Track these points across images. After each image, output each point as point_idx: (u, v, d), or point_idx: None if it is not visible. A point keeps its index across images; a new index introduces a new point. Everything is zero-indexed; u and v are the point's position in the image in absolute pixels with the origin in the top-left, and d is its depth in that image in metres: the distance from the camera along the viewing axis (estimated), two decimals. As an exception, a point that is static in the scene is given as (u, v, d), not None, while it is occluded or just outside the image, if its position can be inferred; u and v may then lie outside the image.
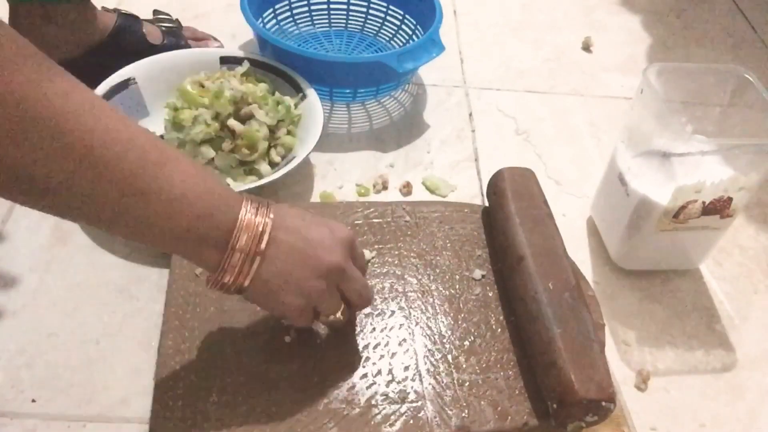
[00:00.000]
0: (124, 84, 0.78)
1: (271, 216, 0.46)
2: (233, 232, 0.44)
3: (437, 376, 0.58)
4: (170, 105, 0.76)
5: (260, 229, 0.45)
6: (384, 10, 0.97)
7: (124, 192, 0.39)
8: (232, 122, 0.74)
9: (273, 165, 0.76)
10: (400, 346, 0.60)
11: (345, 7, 0.99)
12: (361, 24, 0.99)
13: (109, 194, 0.39)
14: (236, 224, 0.44)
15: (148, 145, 0.40)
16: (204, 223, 0.43)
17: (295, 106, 0.80)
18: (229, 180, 0.75)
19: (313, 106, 0.79)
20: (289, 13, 0.96)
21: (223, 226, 0.44)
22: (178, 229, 0.42)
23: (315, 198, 0.77)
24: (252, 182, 0.72)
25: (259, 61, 0.83)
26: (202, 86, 0.78)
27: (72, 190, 0.38)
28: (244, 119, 0.76)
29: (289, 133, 0.78)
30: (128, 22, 0.85)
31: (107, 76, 0.77)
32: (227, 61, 0.83)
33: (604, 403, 0.53)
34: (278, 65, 0.82)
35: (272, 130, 0.77)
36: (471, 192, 0.81)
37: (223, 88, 0.75)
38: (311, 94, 0.80)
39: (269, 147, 0.76)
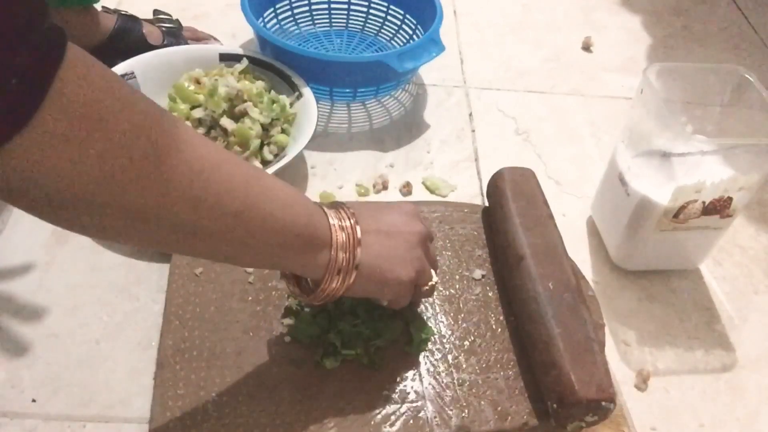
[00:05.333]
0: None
1: (350, 211, 0.51)
2: (331, 231, 0.49)
3: (437, 376, 0.58)
4: (171, 97, 0.77)
5: (348, 222, 0.50)
6: (384, 9, 0.97)
7: (248, 225, 0.43)
8: (225, 121, 0.75)
9: (266, 163, 0.76)
10: (400, 346, 0.60)
11: (346, 6, 0.99)
12: (362, 24, 0.99)
13: (237, 232, 0.42)
14: (330, 222, 0.49)
15: (260, 180, 0.44)
16: (308, 229, 0.47)
17: (291, 104, 0.80)
18: None
19: (308, 104, 0.79)
20: (289, 13, 0.96)
21: (322, 226, 0.48)
22: (290, 241, 0.46)
23: (315, 198, 0.77)
24: None
25: (258, 59, 0.83)
26: (199, 82, 0.78)
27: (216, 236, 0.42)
28: (238, 116, 0.76)
29: (283, 131, 0.78)
30: (128, 23, 0.85)
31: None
32: (226, 58, 0.84)
33: (604, 403, 0.53)
34: (276, 63, 0.83)
35: (266, 129, 0.77)
36: (471, 192, 0.81)
37: (218, 86, 0.76)
38: (307, 92, 0.80)
39: (262, 145, 0.76)
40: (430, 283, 0.57)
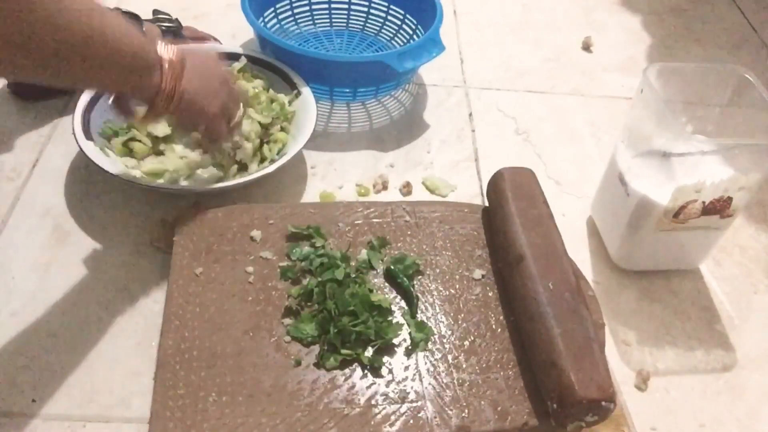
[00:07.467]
0: None
1: (177, 47, 0.60)
2: (162, 56, 0.58)
3: (437, 376, 0.58)
4: None
5: (175, 55, 0.59)
6: (385, 9, 0.97)
7: (95, 47, 0.50)
8: None
9: (265, 161, 0.76)
10: (400, 346, 0.60)
11: (346, 6, 0.99)
12: (362, 23, 0.99)
13: (79, 53, 0.49)
14: (159, 51, 0.58)
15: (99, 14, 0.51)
16: (143, 52, 0.56)
17: (290, 103, 0.80)
18: (219, 175, 0.75)
19: (307, 103, 0.79)
20: (290, 13, 0.96)
21: (154, 52, 0.57)
22: (129, 61, 0.54)
23: (315, 198, 0.77)
24: (242, 177, 0.72)
25: (256, 58, 0.83)
26: None
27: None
28: None
29: (282, 130, 0.78)
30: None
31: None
32: (225, 57, 0.83)
33: (604, 403, 0.53)
34: (274, 62, 0.83)
35: (266, 127, 0.77)
36: (471, 192, 0.81)
37: None
38: (306, 91, 0.80)
39: (261, 144, 0.76)
40: (236, 119, 0.70)
